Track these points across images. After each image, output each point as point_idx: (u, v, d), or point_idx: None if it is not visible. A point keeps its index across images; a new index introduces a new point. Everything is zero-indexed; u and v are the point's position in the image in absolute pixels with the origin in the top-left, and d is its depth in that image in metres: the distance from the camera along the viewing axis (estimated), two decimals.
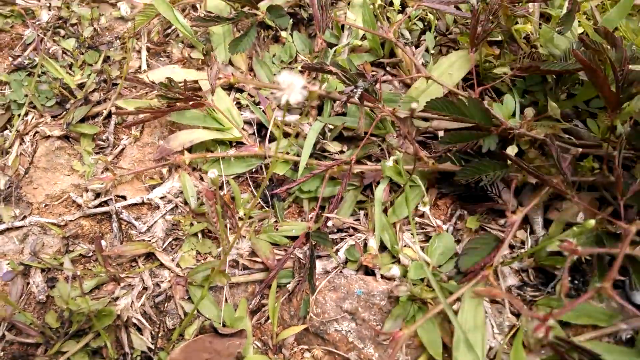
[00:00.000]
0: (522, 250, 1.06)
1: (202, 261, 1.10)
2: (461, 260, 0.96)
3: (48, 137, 1.21)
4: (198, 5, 1.44)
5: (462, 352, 0.88)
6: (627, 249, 0.90)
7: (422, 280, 1.00)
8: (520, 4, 1.23)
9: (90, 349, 0.99)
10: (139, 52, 1.35)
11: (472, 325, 0.92)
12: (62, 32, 1.37)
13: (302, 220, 1.14)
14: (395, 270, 1.02)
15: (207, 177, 1.12)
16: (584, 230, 0.94)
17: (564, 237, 0.90)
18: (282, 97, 0.67)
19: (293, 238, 1.10)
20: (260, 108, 1.23)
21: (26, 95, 1.24)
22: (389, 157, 1.11)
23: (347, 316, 1.00)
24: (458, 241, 1.10)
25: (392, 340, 0.87)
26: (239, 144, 1.21)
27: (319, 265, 1.07)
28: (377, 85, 1.11)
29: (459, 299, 0.95)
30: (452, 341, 0.92)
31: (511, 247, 1.10)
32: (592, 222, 0.91)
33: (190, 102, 1.08)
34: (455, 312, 0.94)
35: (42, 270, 1.07)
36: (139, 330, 1.02)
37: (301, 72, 1.27)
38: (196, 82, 1.27)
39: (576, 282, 1.02)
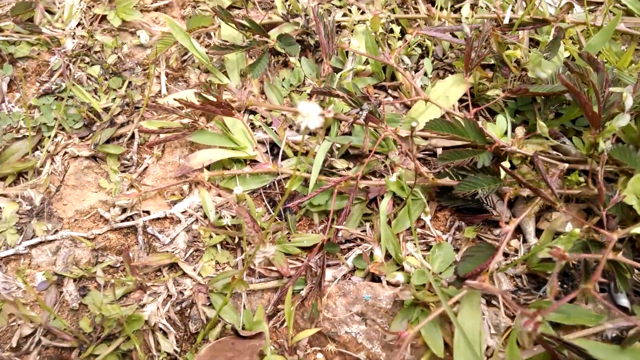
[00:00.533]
0: (516, 258, 1.16)
1: (221, 270, 1.19)
2: (460, 266, 1.06)
3: (77, 157, 1.30)
4: (212, 34, 1.55)
5: (462, 350, 0.97)
6: (610, 254, 1.00)
7: (424, 285, 1.09)
8: (510, 31, 1.34)
9: (120, 352, 1.08)
10: (158, 77, 1.46)
11: (470, 325, 1.01)
12: (87, 59, 1.47)
13: (312, 232, 1.23)
14: (400, 277, 1.12)
15: (232, 193, 1.21)
16: (571, 238, 1.04)
17: (553, 244, 1.00)
18: (302, 124, 0.77)
19: (305, 248, 1.20)
20: (272, 129, 1.33)
21: (55, 119, 1.34)
22: (392, 173, 1.21)
23: (357, 319, 1.09)
24: (457, 250, 1.19)
25: (398, 340, 0.96)
26: (253, 162, 1.31)
27: (330, 273, 1.16)
28: (380, 107, 1.21)
29: (458, 302, 1.04)
30: (453, 341, 1.01)
31: (506, 255, 1.19)
32: (577, 230, 1.01)
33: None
34: (455, 314, 1.03)
35: (74, 280, 1.16)
36: (165, 334, 1.11)
37: (309, 95, 1.37)
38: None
39: (565, 286, 1.11)
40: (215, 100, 1.16)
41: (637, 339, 0.94)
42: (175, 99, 1.20)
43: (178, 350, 1.09)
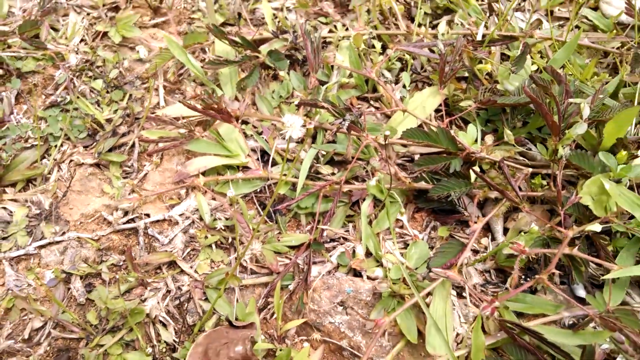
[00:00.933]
0: (485, 254, 1.27)
1: (216, 268, 1.29)
2: (432, 261, 1.17)
3: (81, 164, 1.41)
4: (207, 49, 1.66)
5: (432, 334, 1.08)
6: (566, 249, 1.12)
7: (400, 279, 1.20)
8: (481, 47, 1.46)
9: (124, 342, 1.18)
10: (156, 89, 1.57)
11: (441, 314, 1.12)
12: (90, 73, 1.58)
13: (300, 232, 1.34)
14: (379, 272, 1.23)
15: (226, 196, 1.32)
16: (531, 235, 1.16)
17: (515, 241, 1.11)
18: (287, 134, 0.88)
19: (293, 247, 1.31)
20: (263, 137, 1.44)
21: (61, 129, 1.45)
22: (372, 178, 1.32)
23: (339, 310, 1.19)
24: (432, 247, 1.30)
25: (376, 326, 1.07)
26: (245, 168, 1.41)
27: (315, 269, 1.27)
28: (362, 118, 1.32)
29: (430, 294, 1.15)
30: (425, 328, 1.12)
31: (476, 251, 1.30)
32: (536, 228, 1.13)
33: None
34: (428, 305, 1.14)
35: (81, 277, 1.26)
36: (164, 326, 1.21)
37: (297, 107, 1.49)
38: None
39: (528, 279, 1.22)
40: (216, 106, 1.27)
41: (588, 324, 1.05)
42: (180, 102, 1.31)
43: (177, 340, 1.19)
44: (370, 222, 1.31)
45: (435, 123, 1.40)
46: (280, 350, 1.15)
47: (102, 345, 1.17)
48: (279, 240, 1.31)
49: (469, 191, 1.29)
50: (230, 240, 1.32)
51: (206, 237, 1.31)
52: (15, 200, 1.36)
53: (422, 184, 1.32)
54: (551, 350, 1.03)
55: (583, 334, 1.04)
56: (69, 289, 1.25)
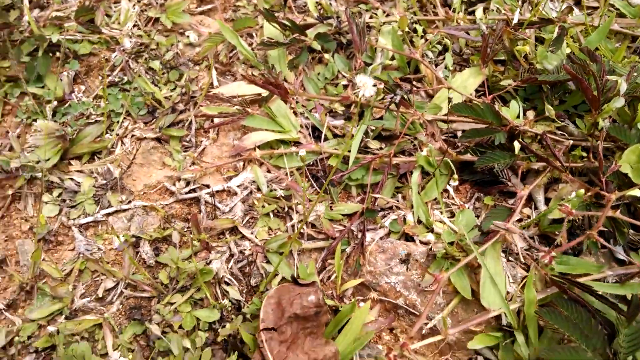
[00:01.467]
0: (529, 220, 1.35)
1: (274, 235, 1.37)
2: (483, 223, 1.25)
3: (143, 139, 1.49)
4: (254, 34, 1.75)
5: (487, 289, 1.16)
6: (610, 212, 1.20)
7: (452, 244, 1.28)
8: (520, 29, 1.54)
9: (193, 300, 1.26)
10: (209, 69, 1.65)
11: (493, 272, 1.20)
12: (145, 55, 1.66)
13: (351, 203, 1.42)
14: (431, 237, 1.30)
15: (282, 169, 1.41)
16: (577, 198, 1.23)
17: (562, 203, 1.19)
18: (360, 93, 0.96)
19: (346, 216, 1.38)
20: (315, 114, 1.52)
21: (122, 105, 1.53)
22: (423, 149, 1.40)
23: (395, 271, 1.27)
24: (477, 216, 1.38)
25: (434, 281, 1.15)
26: (296, 143, 1.50)
27: (369, 235, 1.35)
28: (411, 94, 1.40)
29: (482, 254, 1.23)
30: (479, 286, 1.20)
31: (520, 220, 1.38)
32: (582, 191, 1.21)
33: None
34: (480, 266, 1.22)
35: (149, 241, 1.34)
36: (229, 286, 1.29)
37: (344, 87, 1.57)
38: (259, 94, 1.56)
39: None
40: (274, 81, 1.35)
41: (634, 277, 1.13)
42: (243, 75, 1.40)
43: (242, 299, 1.27)
44: (418, 193, 1.39)
45: (479, 99, 1.48)
46: (341, 307, 1.22)
47: (172, 303, 1.25)
48: (331, 209, 1.39)
49: (513, 163, 1.37)
50: (286, 209, 1.40)
51: (263, 206, 1.39)
52: (81, 172, 1.44)
53: (468, 156, 1.40)
54: (598, 303, 1.10)
55: (631, 285, 1.12)
56: (137, 252, 1.33)
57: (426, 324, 1.19)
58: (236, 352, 1.14)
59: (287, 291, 1.17)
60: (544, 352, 1.04)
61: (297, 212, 1.39)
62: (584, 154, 1.37)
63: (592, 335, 1.06)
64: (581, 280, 1.22)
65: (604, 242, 1.17)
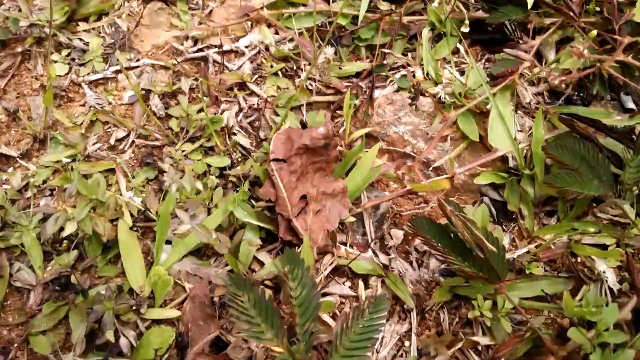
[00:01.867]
0: (537, 70, 1.33)
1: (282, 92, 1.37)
2: (493, 68, 1.25)
3: (149, 0, 1.47)
4: None
5: (494, 128, 1.17)
6: (621, 56, 1.19)
7: (461, 94, 1.28)
8: None
9: (203, 148, 1.28)
10: None
11: (502, 111, 1.20)
12: None
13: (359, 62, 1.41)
14: (439, 88, 1.30)
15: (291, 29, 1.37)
16: (588, 40, 1.22)
17: (574, 45, 1.18)
18: None
19: (355, 75, 1.38)
20: None
21: None
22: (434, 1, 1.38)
23: (403, 121, 1.28)
24: (488, 75, 1.37)
25: (443, 120, 1.15)
26: (304, 5, 1.47)
27: (378, 92, 1.35)
28: None
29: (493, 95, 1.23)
30: (486, 132, 1.20)
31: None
32: (594, 32, 1.19)
33: None
34: (489, 111, 1.22)
35: (159, 96, 1.34)
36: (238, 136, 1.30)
37: None
38: None
39: (582, 94, 1.29)
40: None
41: None
42: None
43: (252, 149, 1.28)
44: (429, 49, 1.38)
45: None
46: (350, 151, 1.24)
47: (183, 151, 1.27)
48: (340, 68, 1.38)
49: (525, 19, 1.35)
50: (294, 68, 1.39)
51: (272, 66, 1.39)
52: (89, 32, 1.44)
53: (480, 13, 1.38)
54: (605, 137, 1.11)
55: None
56: (148, 106, 1.34)
57: (434, 161, 1.20)
58: (247, 181, 1.16)
59: (296, 130, 1.18)
60: (550, 178, 1.05)
61: (305, 72, 1.39)
62: (598, 8, 1.34)
63: (599, 167, 1.08)
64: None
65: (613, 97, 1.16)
